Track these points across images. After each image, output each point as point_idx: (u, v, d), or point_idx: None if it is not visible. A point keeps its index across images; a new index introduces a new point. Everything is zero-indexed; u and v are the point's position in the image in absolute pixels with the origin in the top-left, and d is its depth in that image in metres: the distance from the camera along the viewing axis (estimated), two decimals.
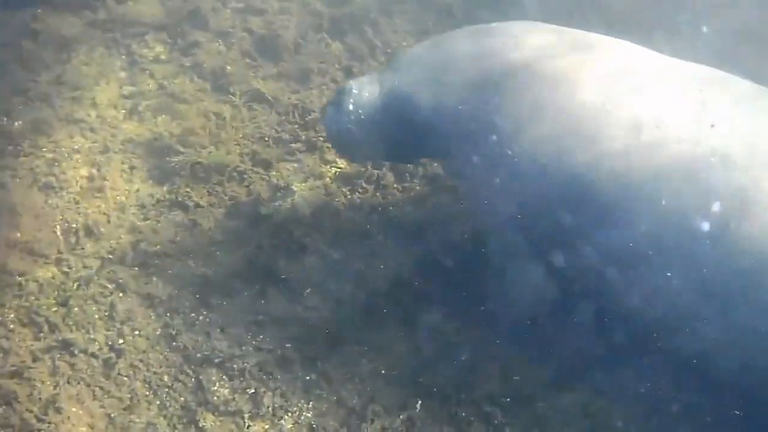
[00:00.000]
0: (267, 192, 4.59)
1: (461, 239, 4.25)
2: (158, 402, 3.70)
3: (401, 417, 3.62)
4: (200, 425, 3.60)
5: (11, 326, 3.93)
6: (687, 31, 5.81)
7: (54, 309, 4.00)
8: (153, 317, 4.01)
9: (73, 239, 4.35)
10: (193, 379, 3.77)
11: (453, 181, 4.53)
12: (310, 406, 3.67)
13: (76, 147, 4.88)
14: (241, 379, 3.76)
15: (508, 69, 3.63)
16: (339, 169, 4.75)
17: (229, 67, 5.43)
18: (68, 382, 3.73)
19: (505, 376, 3.76)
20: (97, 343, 3.88)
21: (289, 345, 3.87)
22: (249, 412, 3.65)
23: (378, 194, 4.61)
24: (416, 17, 5.98)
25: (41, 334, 3.91)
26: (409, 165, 4.68)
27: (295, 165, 4.78)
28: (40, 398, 3.64)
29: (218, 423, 3.62)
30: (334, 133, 4.13)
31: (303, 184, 4.61)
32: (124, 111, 5.16)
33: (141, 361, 3.83)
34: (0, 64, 5.36)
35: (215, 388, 3.72)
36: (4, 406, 3.60)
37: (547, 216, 3.49)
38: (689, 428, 3.56)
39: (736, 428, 3.47)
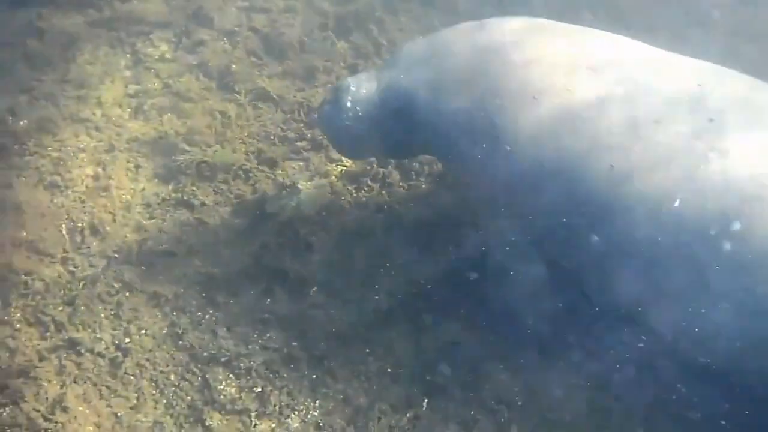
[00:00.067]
0: (273, 190, 4.58)
1: (467, 238, 4.24)
2: (165, 401, 3.69)
3: (408, 415, 3.62)
4: (207, 424, 3.60)
5: (17, 326, 3.93)
6: (691, 28, 5.81)
7: (60, 308, 4.01)
8: (159, 316, 4.01)
9: (78, 238, 4.35)
10: (199, 378, 3.77)
11: (452, 177, 4.52)
12: (316, 404, 3.67)
13: (82, 146, 4.88)
14: (248, 377, 3.76)
15: (504, 65, 3.62)
16: (345, 168, 4.74)
17: (234, 66, 5.43)
18: (75, 382, 3.74)
19: (511, 374, 3.75)
20: (103, 342, 3.88)
21: (295, 343, 3.87)
22: (256, 411, 3.65)
23: (384, 192, 4.60)
24: (421, 15, 5.98)
25: (48, 334, 3.91)
26: (414, 164, 4.67)
27: (301, 163, 4.77)
28: (46, 398, 3.65)
29: (225, 422, 3.62)
30: (331, 130, 4.13)
31: (308, 183, 4.60)
32: (129, 110, 5.16)
33: (147, 360, 3.83)
34: (5, 63, 5.37)
35: (222, 386, 3.72)
36: (11, 406, 3.60)
37: (545, 212, 3.48)
38: (694, 424, 3.55)
39: (740, 424, 3.46)
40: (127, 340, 3.89)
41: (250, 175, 4.68)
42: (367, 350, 3.85)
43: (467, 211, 4.31)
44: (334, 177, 4.69)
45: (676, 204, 3.14)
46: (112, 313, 4.00)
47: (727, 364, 3.29)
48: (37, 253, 4.25)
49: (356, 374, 3.77)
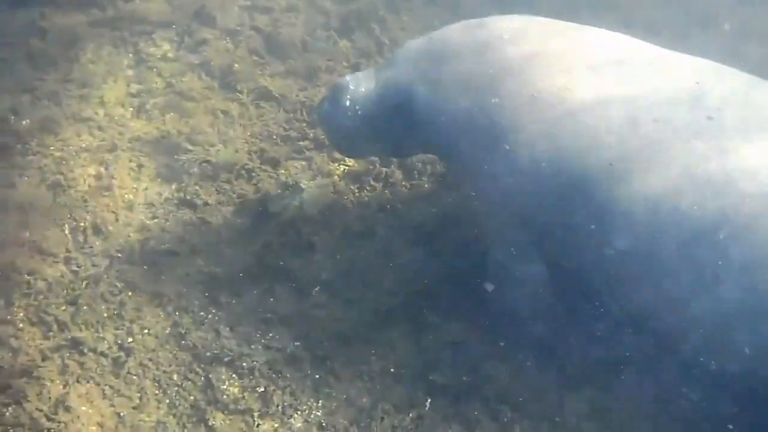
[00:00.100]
0: (275, 190, 4.58)
1: (469, 237, 4.24)
2: (168, 401, 3.70)
3: (410, 415, 3.62)
4: (210, 424, 3.60)
5: (20, 325, 3.93)
6: (691, 28, 5.81)
7: (63, 308, 4.01)
8: (162, 316, 4.01)
9: (81, 238, 4.35)
10: (202, 378, 3.77)
11: (451, 175, 4.52)
12: (319, 404, 3.67)
13: (84, 145, 4.88)
14: (251, 377, 3.76)
15: (503, 63, 3.61)
16: (347, 167, 4.74)
17: (236, 65, 5.43)
18: (78, 381, 3.74)
19: (513, 374, 3.75)
20: (106, 341, 3.88)
21: (298, 343, 3.87)
22: (259, 411, 3.65)
23: (386, 192, 4.60)
24: (424, 14, 5.97)
25: (50, 333, 3.91)
26: (417, 163, 4.67)
27: (304, 163, 4.77)
28: (49, 397, 3.65)
29: (228, 421, 3.62)
30: (330, 129, 4.13)
31: (311, 182, 4.60)
32: (131, 109, 5.16)
33: (150, 359, 3.83)
34: (7, 62, 5.37)
35: (225, 386, 3.72)
36: (13, 405, 3.60)
37: (544, 212, 3.48)
38: (697, 426, 3.55)
39: (743, 426, 3.47)
40: (130, 339, 3.89)
41: (253, 174, 4.68)
42: (370, 350, 3.85)
43: (469, 211, 4.32)
44: (336, 176, 4.69)
45: (675, 202, 3.14)
46: (115, 312, 4.00)
47: (728, 363, 3.29)
48: (40, 253, 4.25)
49: (359, 374, 3.77)
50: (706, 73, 3.46)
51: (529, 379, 3.73)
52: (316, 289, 4.08)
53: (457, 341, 3.86)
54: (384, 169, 4.67)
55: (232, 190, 4.61)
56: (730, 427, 3.43)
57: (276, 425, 3.61)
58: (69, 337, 3.89)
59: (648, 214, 3.18)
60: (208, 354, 3.84)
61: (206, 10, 5.80)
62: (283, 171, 4.70)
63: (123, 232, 4.39)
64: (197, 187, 4.62)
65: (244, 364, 3.80)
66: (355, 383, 3.74)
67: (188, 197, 4.58)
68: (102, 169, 4.73)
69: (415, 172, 4.68)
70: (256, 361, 3.80)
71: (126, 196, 4.59)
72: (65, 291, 4.09)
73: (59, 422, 3.57)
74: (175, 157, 4.80)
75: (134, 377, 3.77)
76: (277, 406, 3.66)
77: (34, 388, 3.67)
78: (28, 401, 3.62)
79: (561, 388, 3.70)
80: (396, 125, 3.91)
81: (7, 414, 3.56)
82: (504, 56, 3.63)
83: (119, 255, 4.27)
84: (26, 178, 4.63)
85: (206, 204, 4.54)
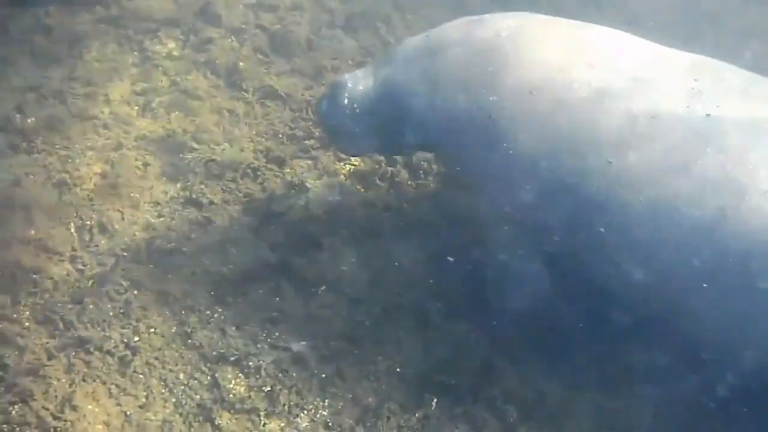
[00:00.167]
0: (281, 189, 4.58)
1: (475, 237, 4.23)
2: (174, 400, 3.69)
3: (417, 415, 3.61)
4: (216, 423, 3.60)
5: (26, 324, 3.93)
6: (695, 26, 5.81)
7: (69, 306, 4.00)
8: (168, 315, 4.00)
9: (87, 236, 4.35)
10: (208, 377, 3.76)
11: (450, 174, 4.52)
12: (325, 404, 3.67)
13: (90, 144, 4.88)
14: (257, 376, 3.76)
15: (502, 60, 3.61)
16: (353, 167, 4.74)
17: (241, 64, 5.43)
18: (84, 380, 3.73)
19: (519, 374, 3.75)
20: (112, 340, 3.87)
21: (304, 342, 3.87)
22: (265, 410, 3.64)
23: (392, 191, 4.60)
24: (429, 13, 5.97)
25: (56, 332, 3.91)
26: (423, 162, 4.67)
27: (309, 162, 4.77)
28: (56, 396, 3.64)
29: (234, 421, 3.61)
30: (328, 126, 4.14)
31: (317, 182, 4.60)
32: (137, 107, 5.16)
33: (156, 358, 3.82)
34: (13, 61, 5.37)
35: (231, 385, 3.72)
36: (20, 404, 3.60)
37: (542, 209, 3.47)
38: (702, 426, 3.55)
39: (747, 424, 3.47)
40: (136, 338, 3.89)
41: (259, 173, 4.68)
42: (376, 350, 3.85)
43: (475, 210, 4.32)
44: (342, 176, 4.69)
45: (673, 198, 3.14)
46: (121, 311, 4.00)
47: (727, 357, 3.30)
48: (46, 252, 4.24)
49: (365, 374, 3.76)
50: (705, 70, 3.46)
51: (535, 380, 3.73)
52: (323, 288, 4.08)
53: (463, 341, 3.85)
54: (390, 169, 4.67)
55: (237, 189, 4.61)
56: (732, 427, 3.44)
57: (282, 424, 3.61)
58: (75, 335, 3.88)
59: (646, 211, 3.18)
60: (214, 353, 3.83)
61: (211, 8, 5.81)
62: (288, 170, 4.70)
63: (129, 230, 4.39)
64: (203, 186, 4.62)
65: (251, 363, 3.79)
66: (361, 383, 3.74)
67: (194, 196, 4.57)
68: (108, 168, 4.73)
69: (421, 171, 4.68)
70: (263, 361, 3.80)
71: (132, 194, 4.59)
72: (71, 289, 4.09)
73: (65, 421, 3.56)
74: (181, 155, 4.79)
75: (140, 376, 3.76)
76: (284, 405, 3.65)
77: (41, 387, 3.67)
78: (35, 400, 3.61)
79: (567, 388, 3.70)
80: (394, 122, 3.92)
81: (14, 413, 3.56)
82: (502, 53, 3.63)
83: (125, 254, 4.27)
84: (32, 177, 4.62)
85: (212, 203, 4.54)
